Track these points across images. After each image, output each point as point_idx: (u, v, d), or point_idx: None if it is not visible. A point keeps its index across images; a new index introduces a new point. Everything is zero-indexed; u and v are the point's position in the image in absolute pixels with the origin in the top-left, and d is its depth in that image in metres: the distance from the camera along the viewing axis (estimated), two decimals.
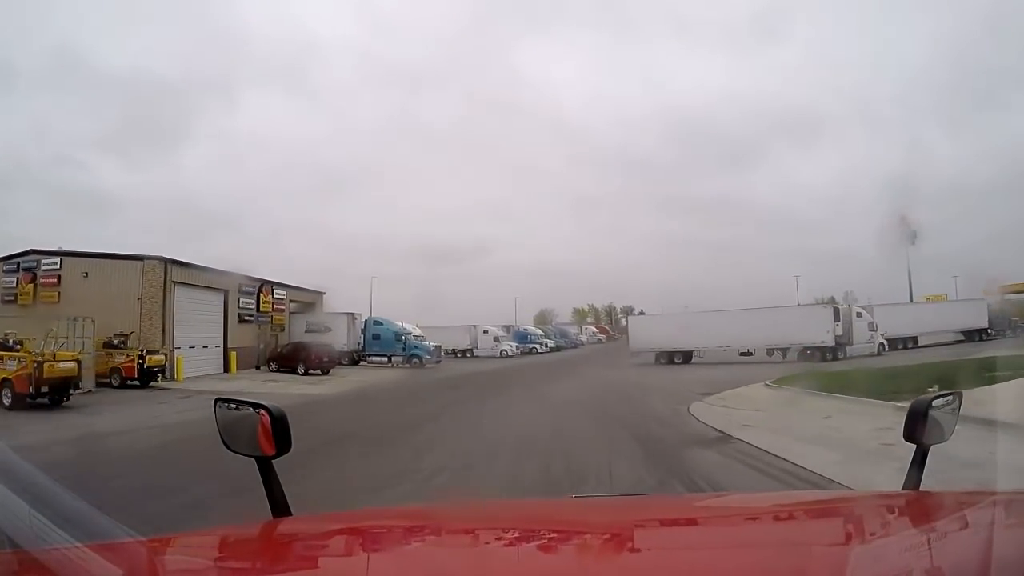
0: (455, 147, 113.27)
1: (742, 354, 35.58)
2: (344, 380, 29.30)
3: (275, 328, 38.67)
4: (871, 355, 32.80)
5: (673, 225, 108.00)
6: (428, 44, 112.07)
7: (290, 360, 32.54)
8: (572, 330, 74.89)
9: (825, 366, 27.77)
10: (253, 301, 36.58)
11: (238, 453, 1.79)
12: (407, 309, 45.55)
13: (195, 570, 1.45)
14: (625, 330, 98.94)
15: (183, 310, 30.16)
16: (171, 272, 29.80)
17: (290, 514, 1.76)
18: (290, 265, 77.89)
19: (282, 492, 1.75)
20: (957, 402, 1.93)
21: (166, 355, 27.12)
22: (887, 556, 1.26)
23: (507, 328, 59.21)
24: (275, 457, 1.73)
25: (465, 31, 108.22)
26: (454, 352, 51.74)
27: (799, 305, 37.82)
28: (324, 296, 45.13)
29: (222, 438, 1.83)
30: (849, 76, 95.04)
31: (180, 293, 30.19)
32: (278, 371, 32.43)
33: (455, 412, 17.41)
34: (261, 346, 36.44)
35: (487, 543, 1.69)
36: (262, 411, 1.76)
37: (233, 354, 32.87)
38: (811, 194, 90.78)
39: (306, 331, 38.98)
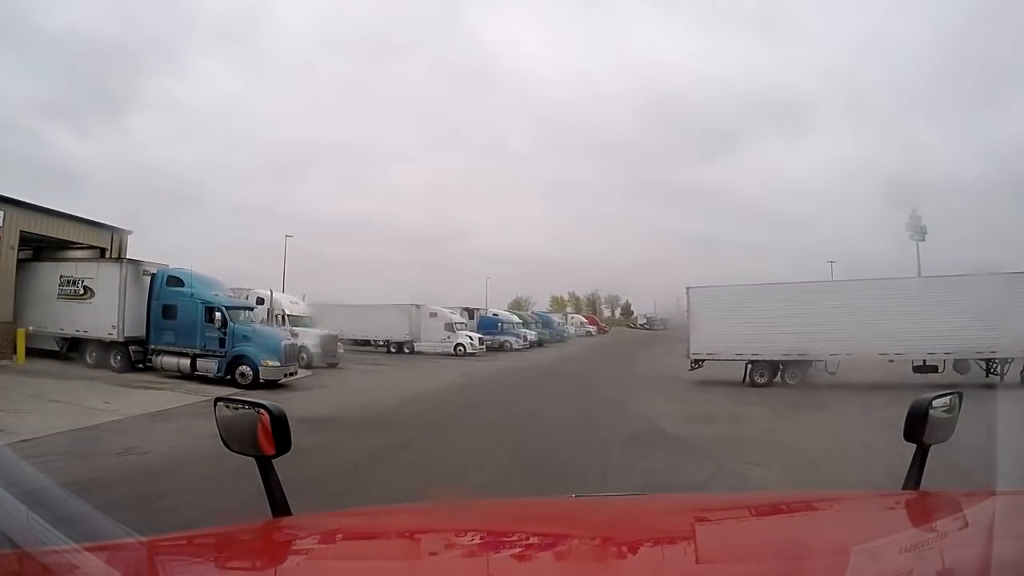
0: (423, 126, 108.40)
1: (917, 369, 18.62)
2: None
3: None
4: None
5: (657, 214, 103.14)
6: (388, 9, 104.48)
7: None
8: (556, 319, 60.67)
9: None
10: None
11: (238, 452, 1.77)
12: (378, 293, 37.47)
13: (195, 570, 1.43)
14: (622, 321, 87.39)
15: None
16: None
17: (290, 514, 1.73)
18: (250, 245, 69.72)
19: (282, 492, 1.72)
20: (957, 402, 1.90)
21: None
22: (887, 556, 1.24)
23: (469, 312, 42.72)
24: (275, 457, 1.71)
25: None
26: (385, 346, 35.30)
27: None
28: (129, 236, 25.07)
29: (222, 437, 1.81)
30: (843, 60, 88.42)
31: None
32: None
33: None
34: None
35: (487, 542, 1.66)
36: (262, 410, 1.74)
37: None
38: (804, 186, 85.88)
39: (59, 296, 21.09)
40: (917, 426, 1.76)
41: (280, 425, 1.70)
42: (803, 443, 9.99)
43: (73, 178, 65.17)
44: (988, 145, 69.50)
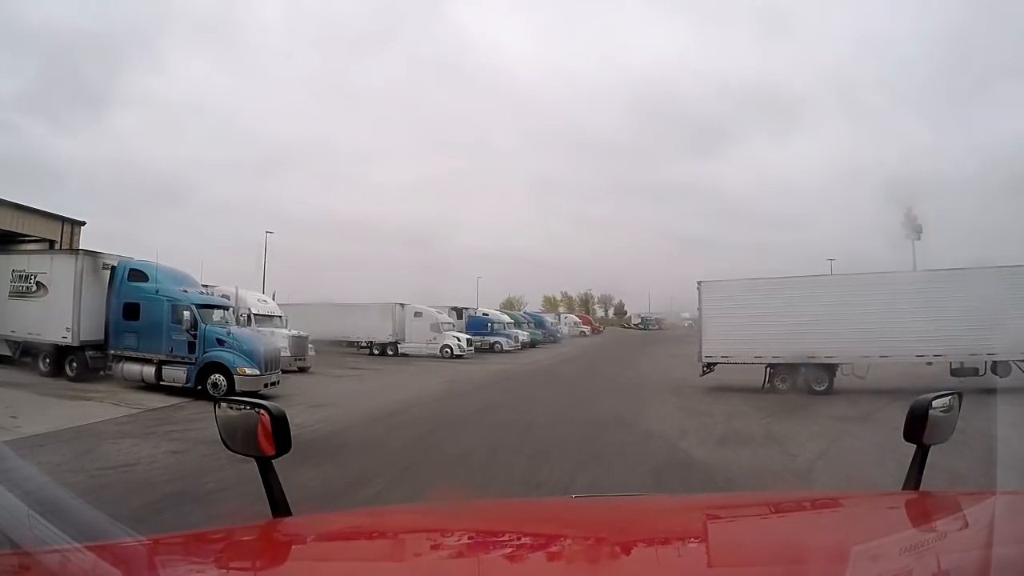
0: (412, 124, 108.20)
1: (955, 372, 16.50)
2: None
3: None
4: None
5: (651, 213, 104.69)
6: (371, 4, 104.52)
7: None
8: (549, 319, 59.66)
9: None
10: None
11: (238, 453, 1.77)
12: (365, 293, 37.01)
13: (195, 570, 1.41)
14: (616, 321, 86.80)
15: None
16: None
17: (290, 514, 1.73)
18: (233, 243, 68.87)
19: (282, 492, 1.71)
20: (957, 402, 1.90)
21: None
22: (887, 556, 1.24)
23: (458, 312, 40.84)
24: (275, 457, 1.71)
25: None
26: (368, 348, 33.78)
27: None
28: (82, 229, 23.31)
29: (222, 438, 1.80)
30: (838, 56, 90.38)
31: None
32: None
33: None
34: None
35: (487, 543, 1.65)
36: (262, 411, 1.74)
37: None
38: (798, 185, 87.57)
39: (10, 293, 18.49)
40: (917, 426, 1.75)
41: (280, 425, 1.70)
42: (870, 473, 7.72)
43: (52, 174, 65.07)
44: (985, 144, 70.55)
